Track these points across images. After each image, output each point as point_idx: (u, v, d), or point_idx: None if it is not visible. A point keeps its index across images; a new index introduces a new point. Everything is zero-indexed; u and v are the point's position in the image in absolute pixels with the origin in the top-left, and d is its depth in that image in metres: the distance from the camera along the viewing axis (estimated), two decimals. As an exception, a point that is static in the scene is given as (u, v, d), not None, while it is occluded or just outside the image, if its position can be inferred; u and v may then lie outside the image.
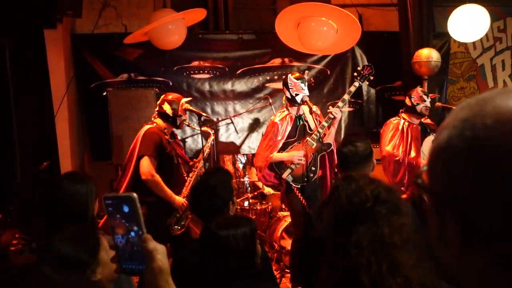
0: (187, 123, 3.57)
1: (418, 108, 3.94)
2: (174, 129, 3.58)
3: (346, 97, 3.66)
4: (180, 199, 3.36)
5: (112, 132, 4.49)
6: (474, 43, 5.85)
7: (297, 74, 3.72)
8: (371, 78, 3.70)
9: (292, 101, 3.66)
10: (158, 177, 3.27)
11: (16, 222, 2.65)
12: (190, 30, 4.79)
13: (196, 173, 3.53)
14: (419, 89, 4.06)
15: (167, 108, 3.43)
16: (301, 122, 3.70)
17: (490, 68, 5.99)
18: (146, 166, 3.26)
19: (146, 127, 3.44)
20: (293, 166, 3.61)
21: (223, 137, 5.21)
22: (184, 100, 3.50)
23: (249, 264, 1.76)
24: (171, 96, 3.51)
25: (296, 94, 3.61)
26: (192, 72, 5.17)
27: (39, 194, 2.90)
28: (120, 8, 5.17)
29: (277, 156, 3.62)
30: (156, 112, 3.50)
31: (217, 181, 2.35)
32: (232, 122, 4.90)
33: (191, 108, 3.49)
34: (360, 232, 1.17)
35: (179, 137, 3.91)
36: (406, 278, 1.11)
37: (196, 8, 4.50)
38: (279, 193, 4.27)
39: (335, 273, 1.18)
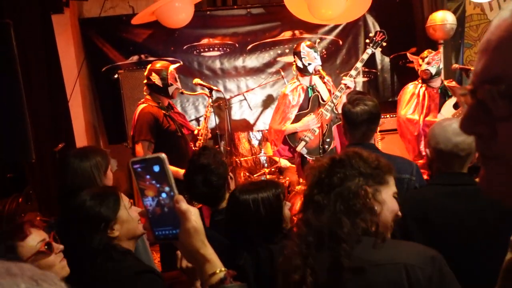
0: (180, 91, 3.40)
1: (420, 73, 3.85)
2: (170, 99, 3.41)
3: (359, 65, 3.57)
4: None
5: (125, 114, 4.51)
6: (490, 3, 5.64)
7: (309, 43, 3.64)
8: (384, 44, 3.58)
9: (303, 71, 3.59)
10: None
11: (36, 204, 2.68)
12: (198, 7, 4.72)
13: (202, 141, 3.43)
14: (414, 55, 3.95)
15: (155, 78, 3.26)
16: (314, 93, 3.64)
17: (508, 29, 5.78)
18: (139, 152, 3.18)
19: (140, 107, 3.29)
20: (307, 138, 3.56)
21: (236, 115, 5.18)
22: (172, 66, 3.34)
23: (273, 229, 1.72)
24: (157, 64, 3.35)
25: (309, 64, 3.54)
26: (202, 50, 5.13)
27: (54, 175, 2.92)
28: (126, -11, 5.12)
29: (290, 127, 3.57)
30: (145, 85, 3.33)
31: (209, 158, 2.19)
32: (245, 99, 4.85)
33: (201, 82, 3.43)
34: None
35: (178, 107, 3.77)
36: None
37: (202, -17, 4.42)
38: (295, 166, 4.25)
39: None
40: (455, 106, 3.84)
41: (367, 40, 3.63)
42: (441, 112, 3.80)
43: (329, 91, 3.64)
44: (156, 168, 0.93)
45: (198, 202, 2.44)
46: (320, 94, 3.63)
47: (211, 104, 3.55)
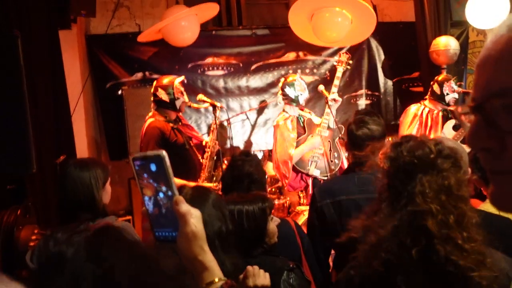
0: (188, 104, 3.44)
1: (447, 98, 3.90)
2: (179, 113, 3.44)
3: (336, 82, 3.86)
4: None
5: (128, 130, 4.51)
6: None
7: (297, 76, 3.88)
8: (350, 62, 4.04)
9: (294, 101, 3.71)
10: None
11: (35, 217, 2.66)
12: (204, 27, 4.78)
13: (209, 153, 3.44)
14: (452, 80, 4.03)
15: (162, 94, 3.31)
16: (304, 118, 3.73)
17: (510, 57, 5.83)
18: None
19: (147, 122, 3.33)
20: (316, 159, 3.58)
21: (239, 134, 5.18)
22: (177, 80, 3.39)
23: (254, 243, 1.72)
24: (162, 80, 3.40)
25: (300, 94, 3.66)
26: (206, 69, 5.16)
27: (55, 188, 2.91)
28: (133, 7, 5.19)
29: (297, 151, 3.60)
30: (153, 102, 3.37)
31: (253, 166, 2.21)
32: (248, 118, 4.86)
33: (204, 99, 3.45)
34: (424, 181, 1.15)
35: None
36: (470, 235, 1.10)
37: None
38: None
39: (396, 218, 1.16)
40: (455, 127, 3.87)
41: (335, 62, 4.09)
42: (443, 132, 3.82)
43: (329, 107, 3.71)
44: (154, 167, 0.91)
45: None
46: (311, 118, 3.75)
47: (218, 116, 3.59)
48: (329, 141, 3.65)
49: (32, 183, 2.86)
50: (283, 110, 3.79)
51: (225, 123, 4.53)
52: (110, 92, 4.91)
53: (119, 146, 4.69)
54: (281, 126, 3.67)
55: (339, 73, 3.93)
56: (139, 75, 5.03)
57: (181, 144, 3.32)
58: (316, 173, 3.58)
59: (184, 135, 3.37)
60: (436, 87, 3.99)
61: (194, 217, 0.90)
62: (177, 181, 3.17)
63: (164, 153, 0.91)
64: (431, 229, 1.09)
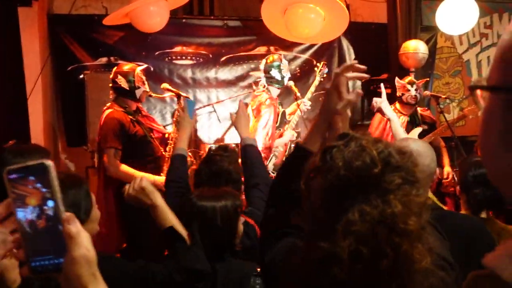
0: (149, 94, 3.30)
1: (404, 98, 3.91)
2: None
3: (312, 89, 4.00)
4: (160, 179, 3.02)
5: (88, 117, 4.32)
6: (460, 38, 5.81)
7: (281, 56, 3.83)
8: (325, 75, 4.15)
9: (279, 83, 3.62)
10: (123, 168, 3.03)
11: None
12: (174, 14, 4.61)
13: (172, 145, 3.30)
14: (402, 80, 4.06)
15: (122, 81, 3.15)
16: (281, 109, 3.69)
17: (475, 64, 5.96)
18: (108, 161, 3.05)
19: (105, 113, 3.16)
20: (277, 153, 3.52)
21: (205, 126, 5.06)
22: (139, 68, 3.24)
23: (225, 244, 1.62)
24: (124, 67, 3.24)
25: (286, 75, 3.61)
26: (174, 57, 5.01)
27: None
28: (100, -11, 4.97)
29: (279, 141, 3.61)
30: (111, 89, 3.21)
31: (232, 163, 2.09)
32: (215, 110, 4.75)
33: (169, 87, 3.32)
34: (359, 210, 0.83)
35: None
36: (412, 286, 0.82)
37: (180, -10, 4.33)
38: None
39: (308, 264, 0.87)
40: (420, 136, 3.90)
41: (316, 69, 4.15)
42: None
43: (298, 106, 3.66)
44: (35, 179, 0.74)
45: None
46: (285, 111, 3.72)
47: (183, 107, 3.44)
48: (290, 140, 3.65)
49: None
50: (267, 90, 3.69)
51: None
52: (71, 76, 4.69)
53: (78, 132, 4.48)
54: (270, 106, 3.56)
55: (316, 81, 4.09)
56: (103, 59, 4.82)
57: (142, 136, 3.17)
58: (270, 167, 3.53)
59: (144, 127, 3.22)
60: (398, 93, 4.09)
61: (86, 239, 0.76)
62: (138, 173, 2.99)
63: (49, 162, 0.75)
64: (339, 277, 0.81)
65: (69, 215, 0.75)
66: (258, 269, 1.61)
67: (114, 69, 3.27)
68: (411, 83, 3.99)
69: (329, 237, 0.84)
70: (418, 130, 3.96)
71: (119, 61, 4.80)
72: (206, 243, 1.54)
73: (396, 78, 4.18)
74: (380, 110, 3.00)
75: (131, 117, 3.18)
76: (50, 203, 0.74)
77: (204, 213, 1.57)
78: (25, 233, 0.74)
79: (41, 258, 0.75)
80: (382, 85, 3.62)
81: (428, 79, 4.37)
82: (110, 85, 3.24)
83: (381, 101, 3.21)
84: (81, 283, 0.75)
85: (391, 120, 3.20)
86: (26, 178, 0.74)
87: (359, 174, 0.85)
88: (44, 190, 0.74)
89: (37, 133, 4.24)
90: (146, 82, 3.28)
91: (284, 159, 3.52)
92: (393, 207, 0.83)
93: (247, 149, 2.13)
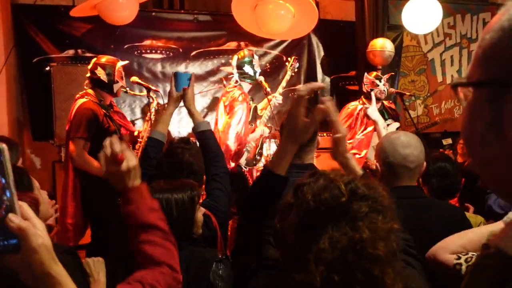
0: (125, 90, 3.27)
1: (374, 93, 4.01)
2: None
3: (284, 84, 4.11)
4: None
5: (55, 110, 4.23)
6: (425, 37, 5.99)
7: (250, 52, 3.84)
8: (296, 70, 4.33)
9: (251, 78, 3.65)
10: (86, 158, 2.99)
11: None
12: (143, 7, 4.57)
13: (142, 143, 3.29)
14: (369, 75, 4.16)
15: (101, 73, 3.11)
16: (252, 104, 3.72)
17: (439, 63, 6.15)
18: (73, 150, 3.00)
19: (79, 101, 3.10)
20: (248, 149, 3.56)
21: (175, 121, 5.03)
22: (120, 63, 3.22)
23: (183, 233, 1.64)
24: (104, 59, 3.21)
25: (258, 71, 3.66)
26: (144, 51, 4.96)
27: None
28: (67, -21, 4.85)
29: (252, 135, 3.64)
30: (88, 79, 3.15)
31: (192, 156, 2.09)
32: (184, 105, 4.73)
33: (139, 81, 3.30)
34: (329, 237, 0.87)
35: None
36: None
37: (150, -17, 4.30)
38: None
39: None
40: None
41: (287, 63, 4.26)
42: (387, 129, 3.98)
43: (269, 101, 3.71)
44: None
45: None
46: (257, 106, 3.76)
47: (156, 106, 3.42)
48: (261, 135, 3.70)
49: None
50: (239, 86, 3.70)
51: (159, 109, 4.38)
52: (36, 68, 4.57)
53: (44, 126, 4.38)
54: (243, 104, 3.58)
55: (288, 76, 4.19)
56: (70, 52, 4.73)
57: (113, 131, 3.12)
58: (242, 162, 3.57)
59: (115, 123, 3.19)
60: (363, 87, 4.19)
61: (40, 227, 0.79)
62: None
63: (4, 146, 0.76)
64: None
65: (11, 216, 0.76)
66: (220, 255, 1.66)
67: (93, 60, 3.23)
68: (378, 78, 4.10)
69: (302, 267, 0.87)
70: (395, 125, 4.11)
71: (87, 54, 4.72)
72: None
73: (366, 74, 4.27)
74: (366, 114, 3.28)
75: (104, 111, 3.14)
76: (8, 193, 0.75)
77: (160, 205, 1.60)
78: None
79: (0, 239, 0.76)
80: (372, 93, 3.80)
81: (393, 73, 4.51)
82: (88, 75, 3.18)
83: (368, 107, 3.46)
84: (43, 269, 0.79)
85: (376, 123, 3.44)
86: None
87: (328, 204, 0.90)
88: (3, 181, 0.75)
89: (1, 126, 4.13)
90: (124, 78, 3.25)
91: (252, 184, 3.54)
92: (361, 232, 0.87)
93: (203, 136, 2.11)
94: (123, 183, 1.14)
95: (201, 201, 1.92)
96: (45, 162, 4.54)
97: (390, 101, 4.32)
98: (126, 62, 3.32)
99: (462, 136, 0.63)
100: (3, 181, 0.75)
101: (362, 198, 0.91)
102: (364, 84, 4.15)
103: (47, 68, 4.32)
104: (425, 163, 1.90)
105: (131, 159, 1.13)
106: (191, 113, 2.18)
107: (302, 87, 1.25)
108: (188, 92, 2.16)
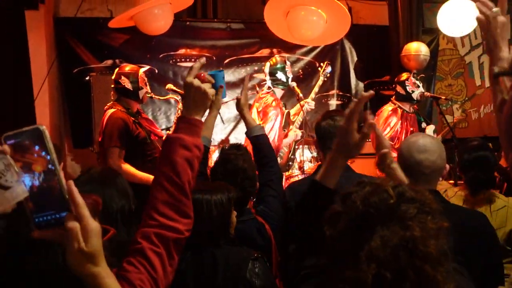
0: (150, 95, 3.34)
1: (414, 95, 3.97)
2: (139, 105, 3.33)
3: (316, 89, 4.11)
4: None
5: (94, 118, 4.38)
6: (462, 40, 5.85)
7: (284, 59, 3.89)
8: (328, 75, 4.31)
9: (284, 84, 3.69)
10: (127, 167, 3.05)
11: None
12: (178, 17, 4.69)
13: None
14: (411, 76, 4.10)
15: (125, 82, 3.16)
16: (285, 110, 3.74)
17: (477, 66, 5.99)
18: (111, 159, 3.06)
19: (109, 112, 3.17)
20: (282, 154, 3.58)
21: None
22: (142, 70, 3.28)
23: (221, 233, 1.71)
24: (127, 68, 3.27)
25: (290, 77, 3.69)
26: (178, 60, 5.08)
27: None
28: (105, -8, 5.04)
29: (286, 140, 3.69)
30: (113, 90, 3.23)
31: (246, 162, 2.07)
32: (219, 112, 4.79)
33: (174, 88, 3.37)
34: (380, 236, 0.88)
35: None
36: None
37: (184, -7, 4.40)
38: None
39: None
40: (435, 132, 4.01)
41: (320, 69, 4.25)
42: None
43: (302, 106, 3.73)
44: (31, 143, 0.80)
45: None
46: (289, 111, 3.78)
47: (179, 112, 3.50)
48: (293, 140, 3.72)
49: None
50: (272, 92, 3.75)
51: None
52: (77, 78, 4.76)
53: (84, 133, 4.55)
54: (277, 110, 3.62)
55: (320, 82, 4.18)
56: (108, 62, 4.90)
57: (143, 138, 3.19)
58: None
59: (145, 129, 3.25)
60: (399, 88, 4.10)
61: (91, 229, 0.81)
62: (140, 174, 3.00)
63: (43, 127, 0.81)
64: None
65: (69, 215, 0.80)
66: (256, 254, 1.70)
67: (116, 70, 3.32)
68: (418, 80, 4.09)
69: (353, 265, 0.89)
70: (431, 127, 4.06)
71: (124, 63, 4.87)
72: (203, 232, 1.61)
73: (406, 75, 4.20)
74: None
75: (133, 118, 3.21)
76: (51, 167, 0.80)
77: (200, 206, 1.64)
78: (31, 194, 0.80)
79: (43, 214, 0.81)
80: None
81: (423, 75, 4.47)
82: (112, 86, 3.27)
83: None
84: (81, 270, 0.83)
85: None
86: (28, 146, 0.80)
87: (377, 207, 0.92)
88: (48, 157, 0.80)
89: (44, 134, 4.31)
90: (147, 84, 3.33)
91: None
92: (412, 230, 0.88)
93: (257, 141, 2.13)
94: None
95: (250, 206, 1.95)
96: (85, 168, 4.69)
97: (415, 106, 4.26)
98: (147, 67, 3.40)
99: (504, 129, 0.60)
100: (48, 157, 0.80)
101: (410, 201, 0.93)
102: (405, 85, 4.07)
103: (87, 78, 4.49)
104: (447, 167, 1.86)
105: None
106: (244, 117, 2.19)
107: (354, 100, 1.26)
108: (241, 97, 2.19)
